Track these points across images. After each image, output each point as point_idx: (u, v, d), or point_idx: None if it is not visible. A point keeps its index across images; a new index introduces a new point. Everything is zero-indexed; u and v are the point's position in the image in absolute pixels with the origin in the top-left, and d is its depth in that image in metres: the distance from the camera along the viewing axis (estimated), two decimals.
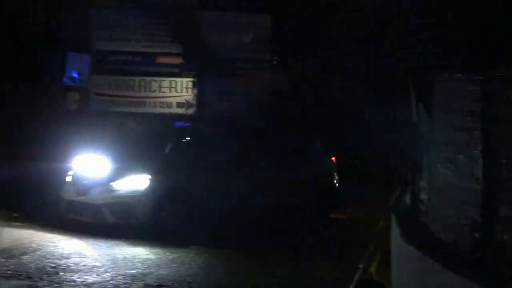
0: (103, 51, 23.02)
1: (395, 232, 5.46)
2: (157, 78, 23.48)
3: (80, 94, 22.95)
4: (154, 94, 23.36)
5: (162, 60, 23.36)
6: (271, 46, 23.72)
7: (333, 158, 12.01)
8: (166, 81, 23.48)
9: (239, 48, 23.52)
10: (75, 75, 21.92)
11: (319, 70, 23.51)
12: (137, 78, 23.28)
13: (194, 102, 23.23)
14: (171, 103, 23.44)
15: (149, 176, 9.80)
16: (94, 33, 23.13)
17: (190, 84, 23.36)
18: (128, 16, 23.18)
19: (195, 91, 23.25)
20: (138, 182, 9.65)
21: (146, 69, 23.36)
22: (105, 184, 9.59)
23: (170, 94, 23.49)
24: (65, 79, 22.16)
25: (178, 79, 23.43)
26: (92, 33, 23.13)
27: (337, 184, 11.85)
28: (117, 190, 9.50)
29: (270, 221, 10.92)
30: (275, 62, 23.78)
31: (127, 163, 10.19)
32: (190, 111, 23.24)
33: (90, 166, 10.15)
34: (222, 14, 23.67)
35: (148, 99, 23.27)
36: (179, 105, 23.41)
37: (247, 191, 10.52)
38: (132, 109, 22.99)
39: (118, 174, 9.82)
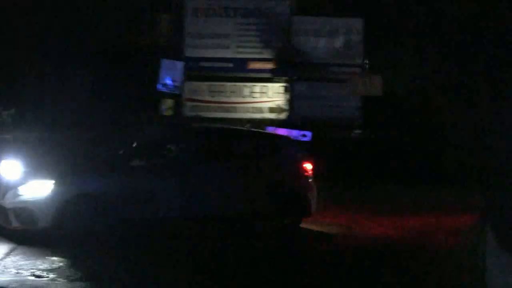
0: (195, 58, 23.41)
1: (494, 242, 5.10)
2: (248, 84, 23.63)
3: (174, 100, 23.40)
4: (245, 100, 23.50)
5: (253, 65, 23.47)
6: (363, 49, 23.33)
7: (306, 165, 10.45)
8: (257, 87, 23.58)
9: (331, 52, 23.30)
10: (169, 81, 22.34)
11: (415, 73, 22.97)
12: (228, 84, 23.53)
13: (285, 107, 23.19)
14: (262, 108, 23.52)
15: (53, 181, 9.41)
16: (187, 40, 23.57)
17: (281, 89, 23.34)
18: (220, 23, 23.47)
19: (287, 96, 23.21)
20: (41, 187, 9.36)
21: (238, 75, 23.57)
22: (15, 188, 9.45)
23: (261, 99, 23.56)
24: (159, 86, 22.61)
25: (269, 84, 23.48)
26: (184, 40, 23.59)
27: (308, 193, 10.21)
28: (21, 194, 9.30)
29: (205, 233, 9.89)
30: (367, 66, 23.36)
31: (40, 167, 9.94)
32: (282, 116, 23.21)
33: (10, 170, 10.10)
34: (313, 19, 23.52)
35: (239, 105, 23.45)
36: (271, 110, 23.44)
37: (176, 200, 9.56)
38: (224, 115, 23.23)
39: (25, 178, 9.63)
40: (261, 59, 23.32)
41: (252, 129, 12.60)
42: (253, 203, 10.04)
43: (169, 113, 23.29)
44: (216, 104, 23.44)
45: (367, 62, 23.44)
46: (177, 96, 23.27)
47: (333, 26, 23.46)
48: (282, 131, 21.36)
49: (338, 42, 23.41)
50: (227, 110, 23.40)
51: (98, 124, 34.46)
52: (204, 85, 23.55)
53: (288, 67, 22.86)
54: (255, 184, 10.14)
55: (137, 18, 23.68)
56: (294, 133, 21.64)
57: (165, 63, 22.38)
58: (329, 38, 23.41)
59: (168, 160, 10.17)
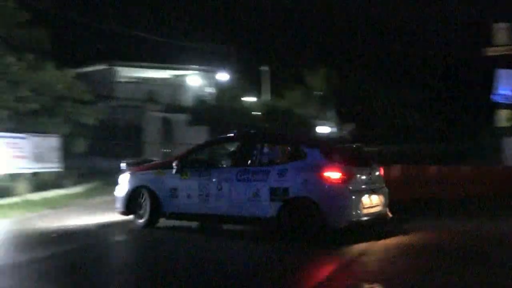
0: None
1: None
2: None
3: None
4: None
5: None
6: None
7: (330, 173, 9.73)
8: None
9: None
10: (507, 92, 21.72)
11: None
12: None
13: None
14: None
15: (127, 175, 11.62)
16: None
17: None
18: None
19: None
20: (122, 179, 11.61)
21: None
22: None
23: None
24: (494, 96, 22.16)
25: None
26: None
27: (327, 204, 9.62)
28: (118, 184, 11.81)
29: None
30: None
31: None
32: None
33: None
34: None
35: None
36: None
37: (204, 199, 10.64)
38: None
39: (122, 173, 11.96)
40: None
41: (281, 134, 12.84)
42: (261, 207, 10.09)
43: (505, 123, 22.65)
44: None
45: None
46: None
47: None
48: None
49: None
50: None
51: (428, 138, 35.30)
52: None
53: None
54: (265, 189, 10.02)
55: (472, 31, 23.55)
56: None
57: (503, 73, 21.82)
58: None
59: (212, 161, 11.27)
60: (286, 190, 9.90)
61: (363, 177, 10.12)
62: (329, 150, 10.36)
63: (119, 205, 11.56)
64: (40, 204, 15.14)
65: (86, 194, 17.66)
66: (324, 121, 38.60)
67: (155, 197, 11.15)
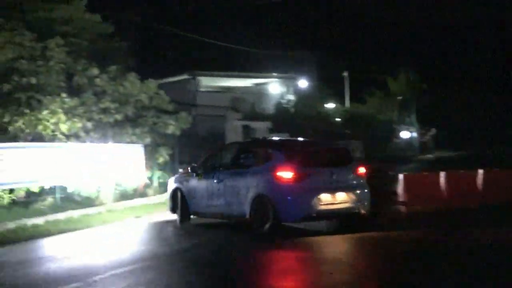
0: None
1: None
2: None
3: None
4: None
5: None
6: None
7: (281, 173, 10.58)
8: None
9: None
10: None
11: None
12: None
13: None
14: None
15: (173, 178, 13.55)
16: None
17: None
18: None
19: None
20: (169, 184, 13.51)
21: None
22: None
23: None
24: None
25: None
26: None
27: (279, 200, 10.54)
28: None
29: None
30: None
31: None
32: None
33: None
34: None
35: None
36: None
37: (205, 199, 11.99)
38: None
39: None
40: None
41: (259, 140, 14.13)
42: (242, 205, 11.08)
43: None
44: None
45: None
46: None
47: None
48: None
49: None
50: None
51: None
52: None
53: None
54: (244, 189, 11.06)
55: None
56: None
57: None
58: None
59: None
60: (254, 188, 10.96)
61: (325, 176, 10.79)
62: (292, 152, 11.16)
63: (167, 204, 13.41)
64: (125, 213, 15.41)
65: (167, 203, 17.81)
66: (405, 125, 37.74)
67: (184, 197, 12.66)
